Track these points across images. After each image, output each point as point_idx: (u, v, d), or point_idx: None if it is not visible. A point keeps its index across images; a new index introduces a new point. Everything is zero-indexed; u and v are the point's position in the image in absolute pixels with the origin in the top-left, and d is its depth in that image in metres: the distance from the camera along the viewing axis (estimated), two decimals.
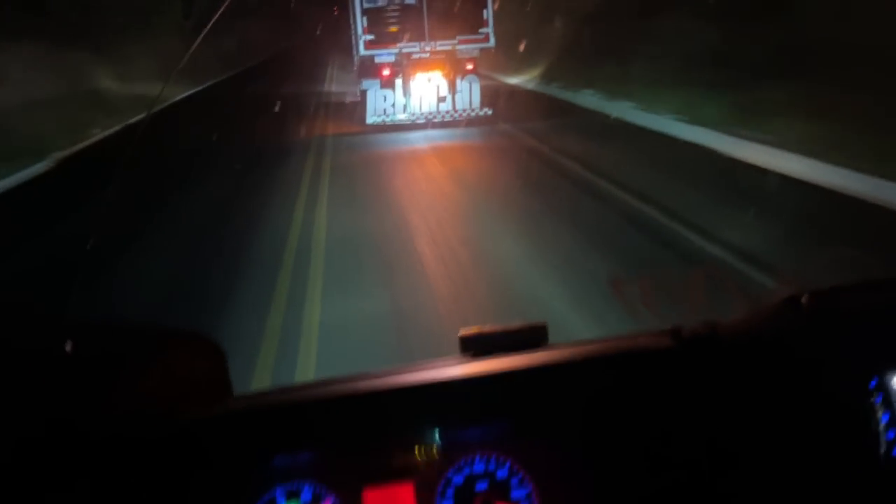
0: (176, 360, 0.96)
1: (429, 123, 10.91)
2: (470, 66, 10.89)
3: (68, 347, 0.88)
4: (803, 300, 0.96)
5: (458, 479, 0.94)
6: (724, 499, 0.88)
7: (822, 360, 0.92)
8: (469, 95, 11.00)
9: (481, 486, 0.94)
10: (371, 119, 10.91)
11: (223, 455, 0.89)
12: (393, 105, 10.89)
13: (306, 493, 0.93)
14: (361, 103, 10.99)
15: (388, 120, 10.92)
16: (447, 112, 11.04)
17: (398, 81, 10.80)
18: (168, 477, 0.85)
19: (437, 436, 0.95)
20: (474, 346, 1.00)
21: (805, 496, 0.88)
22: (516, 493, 0.94)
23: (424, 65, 10.75)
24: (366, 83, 10.88)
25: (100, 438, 0.86)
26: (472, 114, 11.01)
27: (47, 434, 0.86)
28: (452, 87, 10.93)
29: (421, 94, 10.91)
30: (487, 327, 1.03)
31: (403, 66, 10.74)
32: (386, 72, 10.70)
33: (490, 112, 11.05)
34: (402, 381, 0.93)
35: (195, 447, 0.88)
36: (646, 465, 0.88)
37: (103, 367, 0.92)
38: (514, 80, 14.10)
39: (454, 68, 10.80)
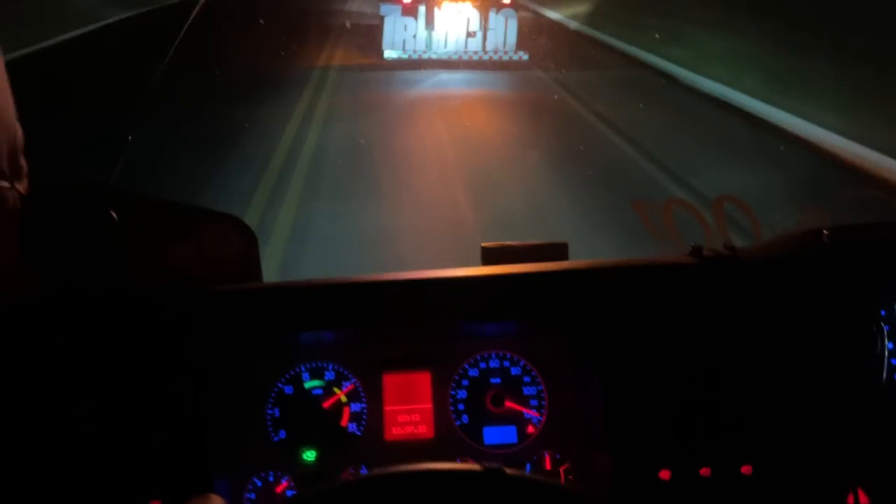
0: (208, 241, 1.16)
1: (452, 63, 10.83)
2: (507, 0, 10.80)
3: (113, 214, 1.08)
4: (824, 232, 1.14)
5: (473, 372, 1.15)
6: (729, 410, 1.07)
7: (837, 286, 1.11)
8: (504, 33, 10.85)
9: (495, 380, 1.15)
10: (388, 53, 10.80)
11: (252, 328, 1.09)
12: (414, 37, 10.81)
13: (329, 373, 1.14)
14: (379, 31, 10.90)
15: (406, 55, 10.84)
16: (475, 52, 10.90)
17: (422, 9, 10.61)
18: (197, 344, 1.06)
19: (454, 329, 1.15)
20: (495, 257, 1.19)
21: (810, 411, 1.07)
22: (528, 390, 1.15)
23: None
24: (385, 7, 10.75)
25: (135, 298, 1.07)
26: (505, 56, 10.87)
27: (89, 293, 1.07)
28: (485, 22, 10.79)
29: (447, 26, 10.75)
30: (509, 242, 1.22)
31: None
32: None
33: (525, 57, 10.88)
34: (424, 276, 1.12)
35: (225, 317, 1.09)
36: (655, 373, 1.07)
37: (141, 238, 1.13)
38: (562, 17, 13.35)
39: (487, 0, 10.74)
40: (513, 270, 1.13)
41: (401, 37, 10.96)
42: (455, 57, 10.82)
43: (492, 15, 10.72)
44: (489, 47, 10.90)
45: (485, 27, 10.75)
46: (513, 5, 10.77)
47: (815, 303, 1.11)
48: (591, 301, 1.10)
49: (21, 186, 1.01)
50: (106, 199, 1.11)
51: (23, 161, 1.01)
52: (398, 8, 10.82)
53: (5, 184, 0.97)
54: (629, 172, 5.72)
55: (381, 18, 10.99)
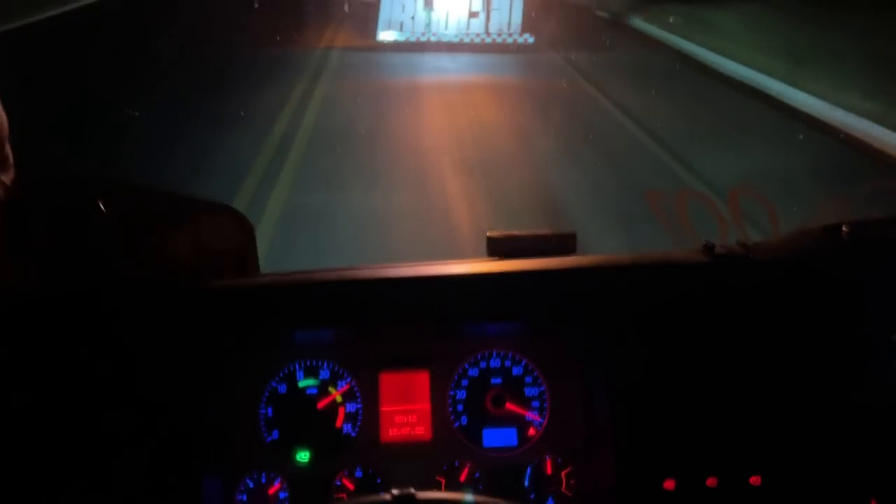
0: (205, 231, 1.20)
1: (452, 46, 10.83)
2: None
3: (101, 206, 1.13)
4: (843, 228, 1.19)
5: (473, 372, 1.20)
6: (738, 417, 1.11)
7: (854, 286, 1.15)
8: (508, 14, 10.91)
9: (496, 380, 1.20)
10: (383, 34, 10.82)
11: (245, 324, 1.14)
12: (413, 18, 10.85)
13: (324, 372, 1.19)
14: (374, 9, 10.88)
15: (403, 38, 10.84)
16: (477, 34, 10.94)
17: None
18: (188, 341, 1.10)
19: (455, 328, 1.20)
20: (501, 249, 1.24)
21: (823, 419, 1.11)
22: (529, 391, 1.20)
23: None
24: None
25: (126, 293, 1.11)
26: (509, 39, 10.90)
27: (77, 287, 1.12)
28: (488, 2, 10.86)
29: (447, 6, 10.83)
30: (515, 231, 1.26)
31: None
32: None
33: (531, 40, 10.89)
34: (425, 272, 1.17)
35: (218, 313, 1.13)
36: (664, 377, 1.11)
37: (132, 229, 1.17)
38: None
39: None
40: (519, 267, 1.17)
41: (398, 18, 10.96)
42: (456, 40, 10.85)
43: None
44: (492, 29, 10.91)
45: (488, 7, 10.78)
46: None
47: (831, 304, 1.14)
48: (599, 300, 1.15)
49: (6, 177, 1.06)
50: (96, 189, 1.16)
51: (8, 150, 1.06)
52: None
53: None
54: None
55: None
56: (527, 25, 10.92)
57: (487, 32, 10.91)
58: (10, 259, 1.12)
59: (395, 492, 0.71)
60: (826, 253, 1.19)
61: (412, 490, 0.71)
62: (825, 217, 1.24)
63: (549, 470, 1.18)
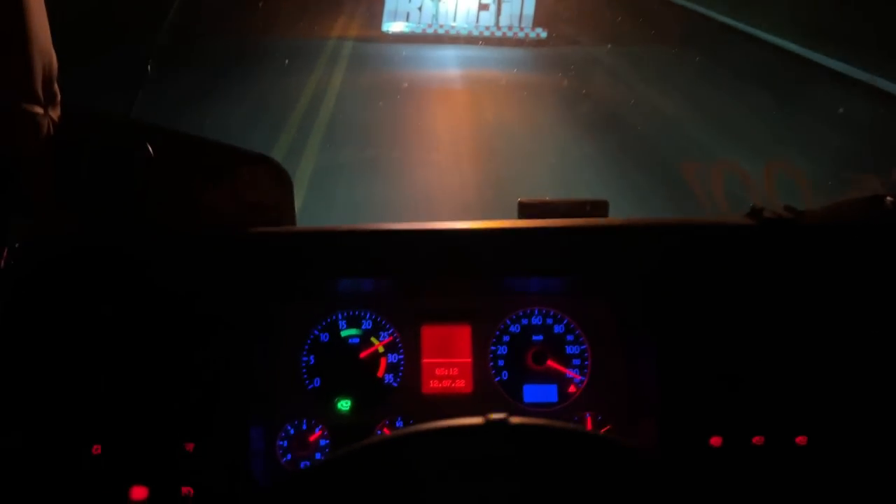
0: (243, 182, 1.31)
1: (461, 39, 10.93)
2: None
3: (150, 149, 1.23)
4: (888, 198, 1.30)
5: (515, 328, 1.31)
6: (785, 377, 1.21)
7: None
8: (520, 6, 11.03)
9: (537, 337, 1.31)
10: (388, 25, 10.90)
11: (288, 272, 1.24)
12: (420, 9, 11.00)
13: (367, 322, 1.30)
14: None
15: (408, 30, 10.93)
16: (487, 27, 11.03)
17: None
18: (233, 287, 1.21)
19: (497, 284, 1.30)
20: (533, 213, 1.34)
21: (869, 381, 1.21)
22: (571, 349, 1.31)
23: None
24: None
25: (169, 241, 1.22)
26: (521, 33, 11.00)
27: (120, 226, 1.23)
28: None
29: None
30: (547, 198, 1.37)
31: None
32: None
33: (544, 34, 10.99)
34: (464, 227, 1.27)
35: (262, 261, 1.23)
36: (710, 337, 1.21)
37: (176, 175, 1.28)
38: None
39: None
40: (560, 224, 1.28)
41: (404, 8, 11.05)
42: (465, 33, 11.01)
43: None
44: (503, 22, 11.09)
45: None
46: None
47: (877, 270, 1.25)
48: (643, 261, 1.25)
49: (54, 114, 1.17)
50: (144, 132, 1.26)
51: (56, 88, 1.17)
52: None
53: (39, 110, 1.12)
54: None
55: None
56: (540, 17, 10.97)
57: (498, 26, 11.02)
58: (58, 198, 1.22)
59: (491, 416, 0.71)
60: (873, 220, 1.30)
61: (505, 415, 0.72)
62: (860, 192, 1.35)
63: (589, 427, 1.28)
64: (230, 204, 1.31)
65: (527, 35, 10.96)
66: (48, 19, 1.13)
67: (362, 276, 1.27)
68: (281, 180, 1.35)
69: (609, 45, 9.76)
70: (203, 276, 1.21)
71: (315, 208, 4.36)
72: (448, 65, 9.62)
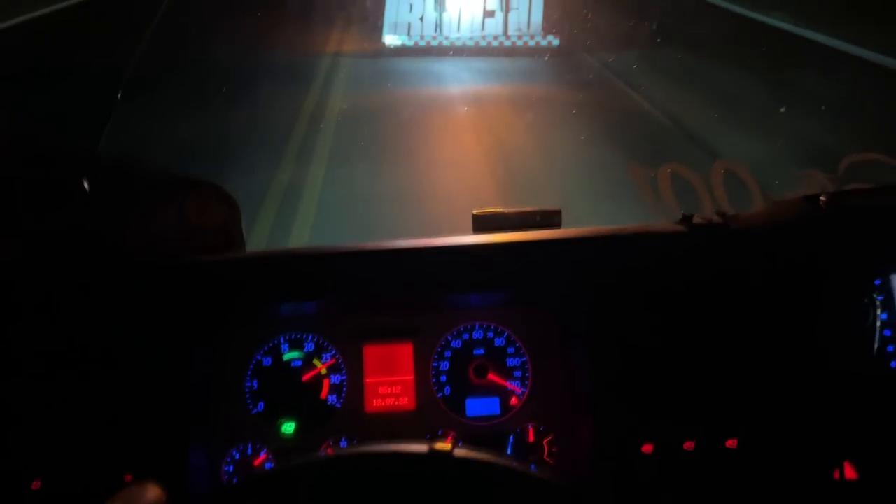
0: (189, 208, 1.43)
1: (467, 50, 10.91)
2: None
3: (85, 183, 1.35)
4: (821, 198, 1.39)
5: (456, 343, 1.41)
6: (715, 382, 1.30)
7: (830, 255, 1.35)
8: (528, 13, 11.03)
9: (478, 351, 1.40)
10: (389, 37, 10.88)
11: (228, 298, 1.35)
12: (421, 19, 11.00)
13: (309, 345, 1.40)
14: (379, 7, 10.99)
15: (411, 42, 10.94)
16: (494, 36, 10.97)
17: None
18: (175, 314, 1.31)
19: (438, 300, 1.40)
20: (486, 225, 1.45)
21: (798, 383, 1.30)
22: (511, 362, 1.40)
23: None
24: None
25: (109, 268, 1.33)
26: (531, 41, 10.97)
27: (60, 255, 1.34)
28: (506, 0, 10.99)
29: (460, 5, 10.97)
30: (501, 208, 1.48)
31: None
32: None
33: (556, 42, 10.93)
34: (408, 245, 1.38)
35: (202, 287, 1.34)
36: (643, 343, 1.31)
37: (117, 204, 1.39)
38: None
39: None
40: (503, 239, 1.38)
41: (405, 19, 10.97)
42: (471, 43, 10.95)
43: None
44: (511, 30, 11.02)
45: (506, 5, 10.93)
46: None
47: (806, 272, 1.34)
48: (580, 269, 1.35)
49: None
50: (82, 164, 1.38)
51: None
52: None
53: None
54: None
55: None
56: (550, 23, 10.87)
57: (506, 34, 10.95)
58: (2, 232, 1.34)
59: (435, 446, 0.76)
60: (803, 222, 1.39)
61: (449, 445, 0.76)
62: (806, 190, 1.44)
63: (531, 438, 1.37)
64: (177, 230, 1.42)
65: (537, 43, 10.94)
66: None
67: (304, 299, 1.37)
68: (227, 205, 1.47)
69: (632, 51, 9.66)
70: (145, 301, 1.32)
71: None
72: (459, 82, 9.63)
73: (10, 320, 1.29)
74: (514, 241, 1.38)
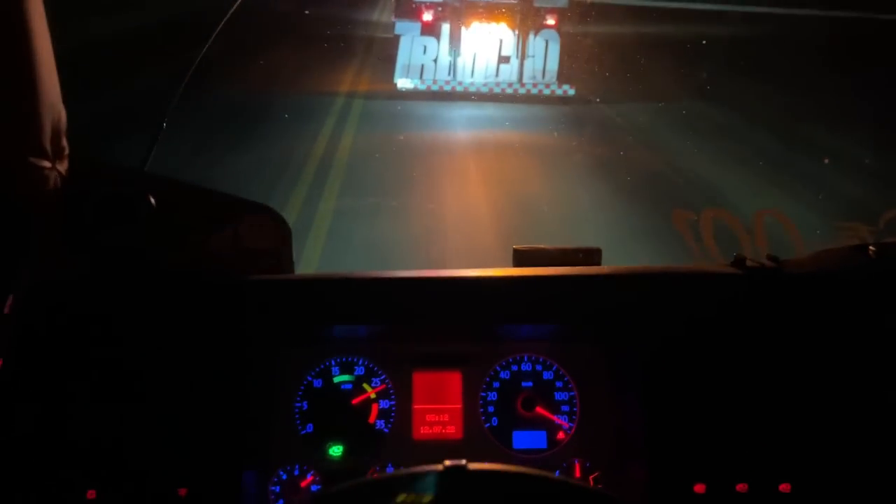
0: (245, 230, 1.51)
1: (480, 96, 10.91)
2: (551, 21, 10.98)
3: (152, 200, 1.43)
4: (870, 248, 1.47)
5: (505, 375, 1.48)
6: (770, 425, 1.36)
7: (881, 303, 1.42)
8: (543, 61, 11.03)
9: (527, 384, 1.47)
10: (401, 80, 10.75)
11: (283, 319, 1.42)
12: (435, 61, 10.94)
13: (359, 369, 1.47)
14: (392, 50, 11.08)
15: (424, 86, 10.92)
16: (509, 84, 10.94)
17: (445, 27, 10.94)
18: (229, 333, 1.38)
19: (488, 331, 1.47)
20: (527, 260, 1.53)
21: (853, 430, 1.35)
22: (560, 396, 1.47)
23: (485, 11, 10.96)
24: (400, 25, 10.89)
25: (169, 286, 1.40)
26: (546, 90, 10.96)
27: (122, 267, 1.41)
28: (522, 47, 10.94)
29: (475, 50, 10.99)
30: (542, 245, 1.56)
31: (454, 9, 10.85)
32: (428, 15, 10.89)
33: (571, 91, 10.97)
34: (459, 275, 1.45)
35: (257, 308, 1.41)
36: (697, 384, 1.37)
37: (175, 224, 1.47)
38: None
39: (527, 20, 10.99)
40: (551, 273, 1.46)
41: (418, 61, 10.90)
42: (485, 90, 11.01)
43: (531, 37, 10.99)
44: (526, 78, 11.11)
45: (522, 52, 10.97)
46: (556, 26, 10.96)
47: (860, 319, 1.41)
48: (632, 308, 1.42)
49: (62, 167, 1.37)
50: (144, 183, 1.47)
51: (65, 142, 1.37)
52: (417, 25, 10.82)
53: (47, 164, 1.33)
54: None
55: (396, 39, 10.91)
56: (565, 72, 10.94)
57: (521, 81, 11.07)
58: (64, 246, 1.42)
59: (447, 463, 0.82)
60: (856, 269, 1.46)
61: (464, 462, 0.82)
62: (845, 241, 1.51)
63: (577, 473, 1.43)
64: (231, 251, 1.50)
65: (553, 92, 11.03)
66: (60, 77, 1.34)
67: (356, 322, 1.44)
68: (280, 229, 1.55)
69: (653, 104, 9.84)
70: (201, 321, 1.39)
71: None
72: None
73: (74, 336, 1.36)
74: (561, 274, 1.45)
